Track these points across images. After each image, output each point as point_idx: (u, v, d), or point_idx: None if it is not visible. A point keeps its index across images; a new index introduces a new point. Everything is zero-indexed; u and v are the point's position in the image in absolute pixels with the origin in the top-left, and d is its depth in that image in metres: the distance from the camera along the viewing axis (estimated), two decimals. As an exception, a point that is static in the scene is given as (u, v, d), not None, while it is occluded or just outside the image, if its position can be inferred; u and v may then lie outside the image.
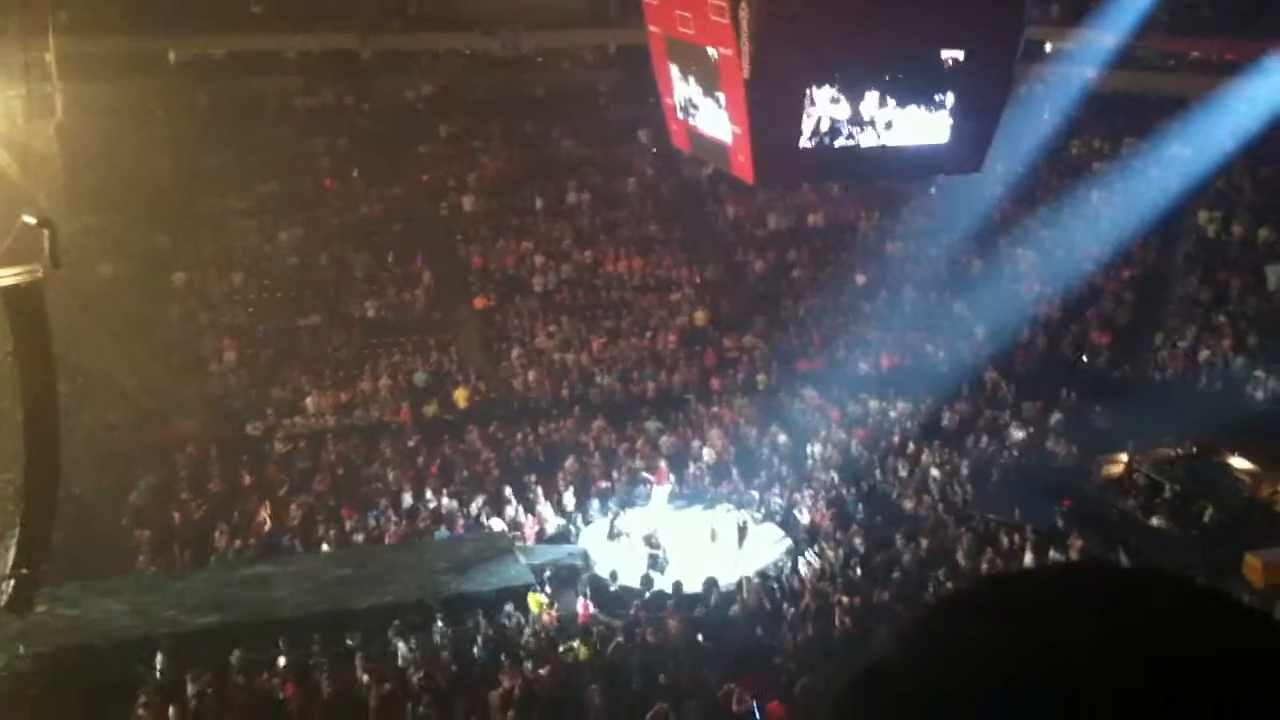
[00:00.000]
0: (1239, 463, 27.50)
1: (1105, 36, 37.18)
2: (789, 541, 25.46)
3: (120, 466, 27.37)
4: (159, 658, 19.65)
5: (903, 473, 27.83)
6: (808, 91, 15.03)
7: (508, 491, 26.72)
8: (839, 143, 15.41)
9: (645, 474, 27.65)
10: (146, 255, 33.42)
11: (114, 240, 33.03)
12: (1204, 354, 31.74)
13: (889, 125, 15.56)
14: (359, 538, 25.25)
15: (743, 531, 24.98)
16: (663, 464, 27.97)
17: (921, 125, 15.71)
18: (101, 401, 28.33)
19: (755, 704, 18.08)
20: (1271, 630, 1.01)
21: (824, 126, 15.29)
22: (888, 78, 15.26)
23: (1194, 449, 27.25)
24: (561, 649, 20.29)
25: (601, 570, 24.01)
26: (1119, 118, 39.81)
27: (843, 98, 15.12)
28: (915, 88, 15.41)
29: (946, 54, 15.30)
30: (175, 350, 31.48)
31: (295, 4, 40.05)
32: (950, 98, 15.60)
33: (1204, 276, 34.39)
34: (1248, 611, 1.04)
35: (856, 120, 15.36)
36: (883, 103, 15.39)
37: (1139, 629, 0.99)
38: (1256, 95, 34.52)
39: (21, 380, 16.59)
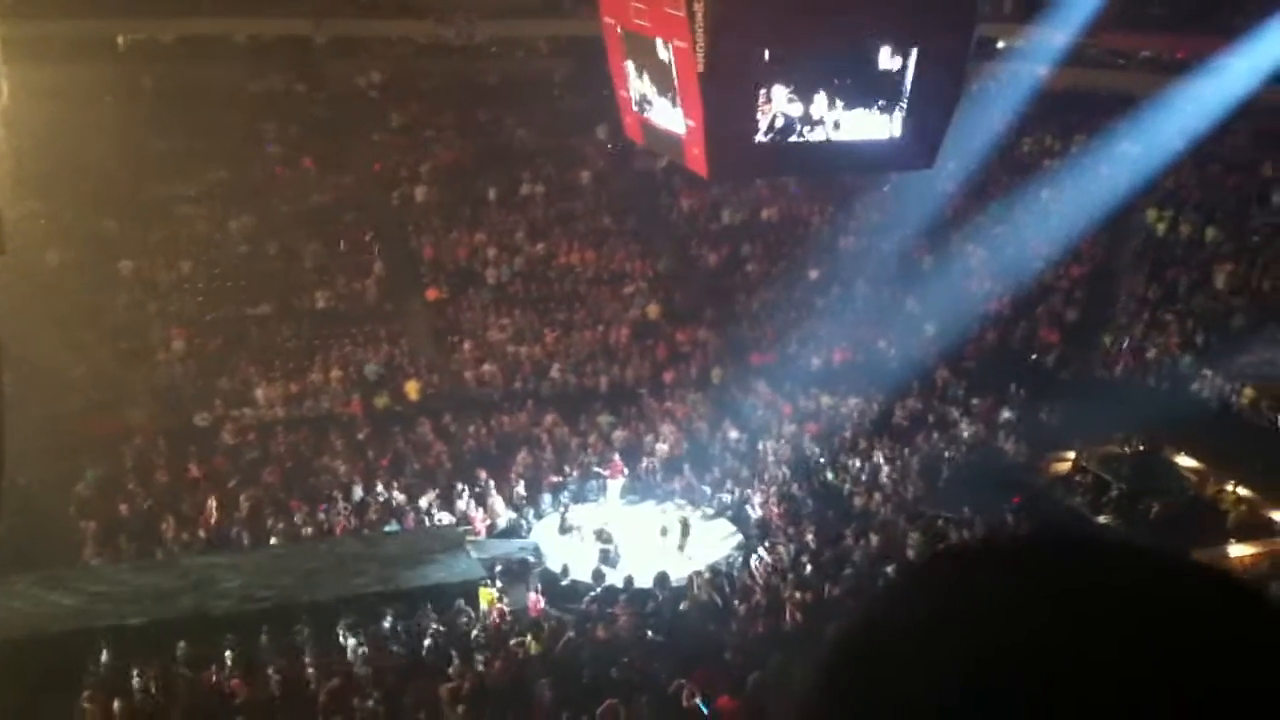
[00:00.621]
0: (1185, 460, 27.83)
1: (1056, 34, 37.47)
2: (740, 537, 25.48)
3: (67, 457, 26.97)
4: (103, 651, 19.42)
5: (854, 468, 27.93)
6: (762, 86, 15.00)
7: (459, 485, 26.60)
8: (792, 138, 15.39)
9: (598, 468, 27.59)
10: (93, 242, 32.94)
11: (60, 227, 32.55)
12: (1151, 352, 32.04)
13: (841, 121, 15.56)
14: (308, 530, 25.05)
15: (685, 528, 24.88)
16: (616, 458, 27.93)
17: (873, 121, 15.72)
18: (48, 391, 27.91)
19: (703, 699, 18.06)
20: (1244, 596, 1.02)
21: (778, 121, 15.27)
22: (841, 72, 15.25)
23: (1141, 446, 27.52)
24: (512, 643, 20.22)
25: (553, 564, 23.95)
26: (1070, 115, 40.13)
27: (797, 92, 15.11)
28: (868, 83, 15.41)
29: (899, 50, 15.31)
30: (123, 339, 31.06)
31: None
32: (903, 94, 15.61)
33: (1152, 274, 34.72)
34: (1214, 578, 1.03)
35: (809, 116, 15.34)
36: (835, 98, 15.39)
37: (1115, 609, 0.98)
38: (1205, 94, 34.90)
39: (-35, 370, 16.34)
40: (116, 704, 18.19)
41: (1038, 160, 39.67)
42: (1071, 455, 28.45)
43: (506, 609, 21.85)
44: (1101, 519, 26.26)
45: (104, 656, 19.36)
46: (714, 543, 25.32)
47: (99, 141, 34.14)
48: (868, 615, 1.07)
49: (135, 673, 18.80)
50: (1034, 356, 33.50)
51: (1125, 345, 32.50)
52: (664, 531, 25.06)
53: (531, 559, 24.41)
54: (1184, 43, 37.07)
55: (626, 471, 27.56)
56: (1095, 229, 35.94)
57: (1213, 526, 25.49)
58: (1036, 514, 25.95)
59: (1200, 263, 34.37)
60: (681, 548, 24.60)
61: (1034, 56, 38.48)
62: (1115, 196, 35.75)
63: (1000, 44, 40.16)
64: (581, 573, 23.32)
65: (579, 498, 26.88)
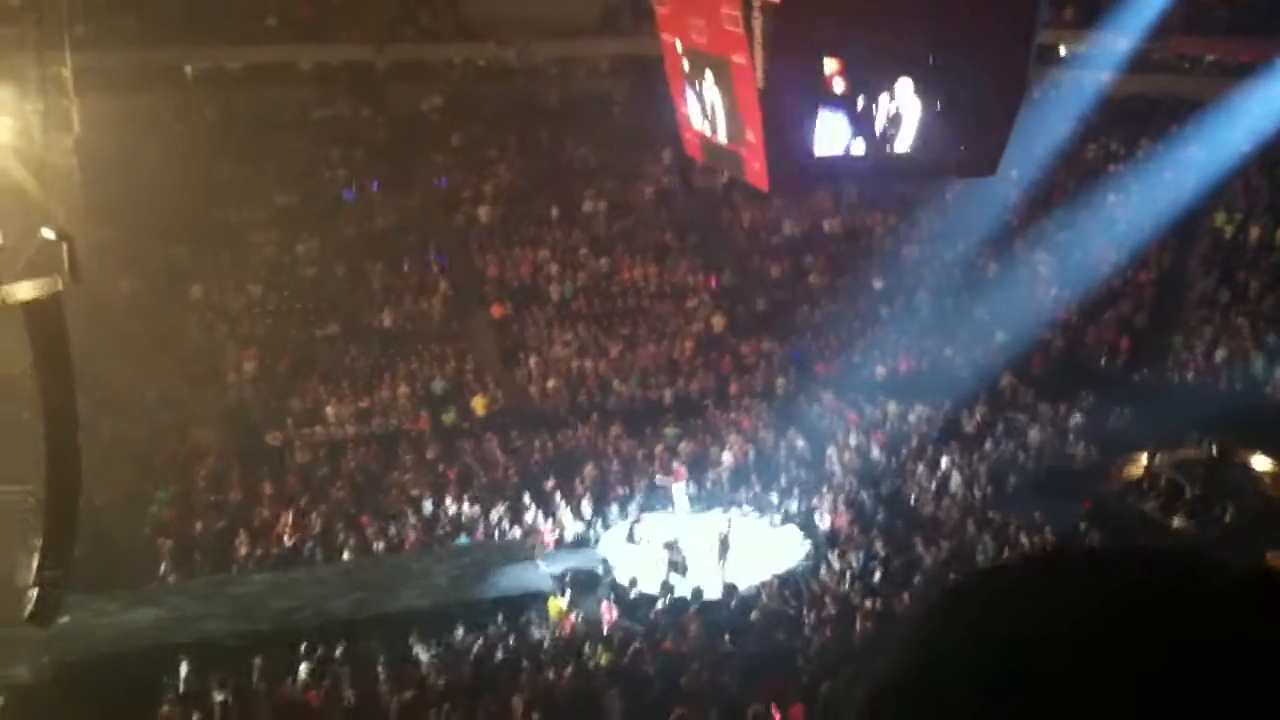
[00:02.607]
0: (1259, 463, 27.45)
1: (1119, 39, 37.12)
2: (810, 545, 25.43)
3: (140, 478, 27.51)
4: (182, 666, 19.74)
5: (922, 476, 27.82)
6: (822, 98, 15.05)
7: (526, 498, 26.78)
8: (853, 149, 15.42)
9: (661, 477, 27.62)
10: (164, 268, 33.57)
11: (132, 253, 33.09)
12: (1222, 354, 31.68)
13: (903, 130, 15.58)
14: (379, 545, 25.33)
15: (725, 543, 24.49)
16: (679, 465, 27.96)
17: (936, 130, 15.71)
18: (121, 413, 28.46)
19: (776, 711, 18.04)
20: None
21: (838, 133, 15.32)
22: (902, 83, 15.28)
23: (1214, 450, 27.21)
24: (584, 655, 20.33)
25: (621, 576, 24.03)
26: (1134, 121, 39.71)
27: (857, 103, 15.15)
28: (930, 93, 15.42)
29: (959, 59, 15.31)
30: (193, 362, 31.59)
31: (310, 16, 40.25)
32: (964, 102, 15.60)
33: (1222, 277, 34.32)
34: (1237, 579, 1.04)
35: (871, 126, 15.38)
36: (897, 108, 15.42)
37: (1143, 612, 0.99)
38: (1272, 96, 34.46)
39: (42, 393, 16.71)
40: (196, 717, 18.50)
41: (1103, 166, 39.31)
42: (1144, 459, 28.16)
43: (575, 620, 21.97)
44: (1175, 523, 25.97)
45: (183, 671, 19.67)
46: (783, 551, 25.29)
47: (168, 169, 34.71)
48: (905, 656, 1.06)
49: (213, 687, 19.11)
50: (1103, 361, 33.21)
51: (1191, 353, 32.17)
52: (724, 545, 24.84)
53: (600, 571, 24.52)
54: (1249, 46, 36.57)
55: (689, 477, 27.54)
56: (1163, 234, 35.57)
57: (1289, 529, 25.15)
58: (1107, 518, 25.74)
59: (1271, 265, 33.93)
60: (722, 558, 24.27)
61: (1097, 63, 38.12)
62: (1182, 201, 35.38)
63: (1062, 50, 39.84)
64: (649, 584, 23.38)
65: (646, 509, 26.95)
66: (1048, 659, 0.96)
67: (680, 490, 26.91)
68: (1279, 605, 1.01)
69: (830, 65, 14.78)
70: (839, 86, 15.01)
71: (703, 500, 27.39)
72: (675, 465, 27.93)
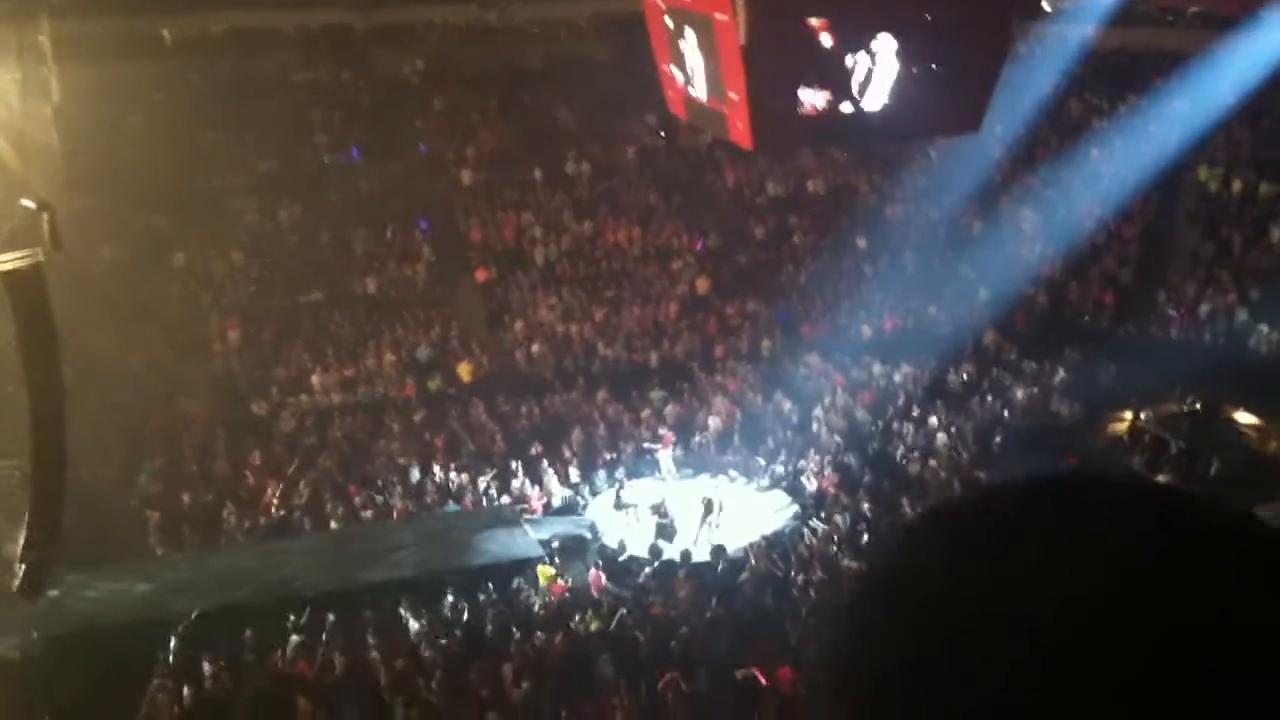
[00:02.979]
0: (1244, 417, 27.58)
1: (1103, -7, 36.96)
2: (796, 508, 25.49)
3: (127, 448, 27.45)
4: (172, 639, 19.73)
5: (908, 436, 27.87)
6: (805, 56, 14.95)
7: (514, 464, 26.77)
8: (837, 107, 15.33)
9: (648, 443, 27.62)
10: (146, 236, 33.33)
11: (113, 222, 32.87)
12: (1206, 308, 31.73)
13: (888, 89, 15.48)
14: (368, 514, 25.33)
15: (708, 507, 24.59)
16: (666, 430, 27.99)
17: (920, 88, 15.62)
18: (106, 384, 28.34)
19: (762, 673, 18.11)
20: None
21: (822, 91, 15.22)
22: (885, 41, 15.17)
23: (1198, 405, 27.30)
24: (575, 621, 20.37)
25: (610, 540, 24.07)
26: (1119, 75, 39.59)
27: (841, 61, 15.04)
28: (913, 50, 15.32)
29: (944, 16, 15.20)
30: (178, 331, 31.44)
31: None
32: (948, 59, 15.51)
33: (1206, 232, 34.34)
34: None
35: (855, 85, 15.28)
36: (881, 66, 15.32)
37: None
38: (1255, 49, 34.35)
39: (26, 365, 16.62)
40: (186, 690, 18.50)
41: (1087, 121, 39.23)
42: (1129, 415, 28.26)
43: (565, 586, 22.01)
44: (1160, 478, 26.06)
45: (173, 644, 19.67)
46: (770, 514, 25.35)
47: (148, 137, 34.47)
48: (892, 557, 1.11)
49: (204, 660, 19.11)
50: (1088, 317, 33.26)
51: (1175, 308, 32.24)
52: (717, 506, 24.99)
53: (588, 536, 24.56)
54: (1233, -2, 36.50)
55: (676, 442, 27.57)
56: (1147, 188, 35.55)
57: (1274, 482, 25.24)
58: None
59: (1254, 219, 33.95)
60: (703, 524, 24.38)
61: (1081, 16, 37.96)
62: (1166, 155, 35.35)
63: (1045, 4, 39.66)
64: (638, 548, 23.43)
65: (633, 473, 26.98)
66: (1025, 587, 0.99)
67: (668, 456, 26.92)
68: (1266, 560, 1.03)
69: (813, 22, 14.69)
70: (822, 44, 14.92)
71: (690, 465, 27.42)
72: (663, 431, 27.91)
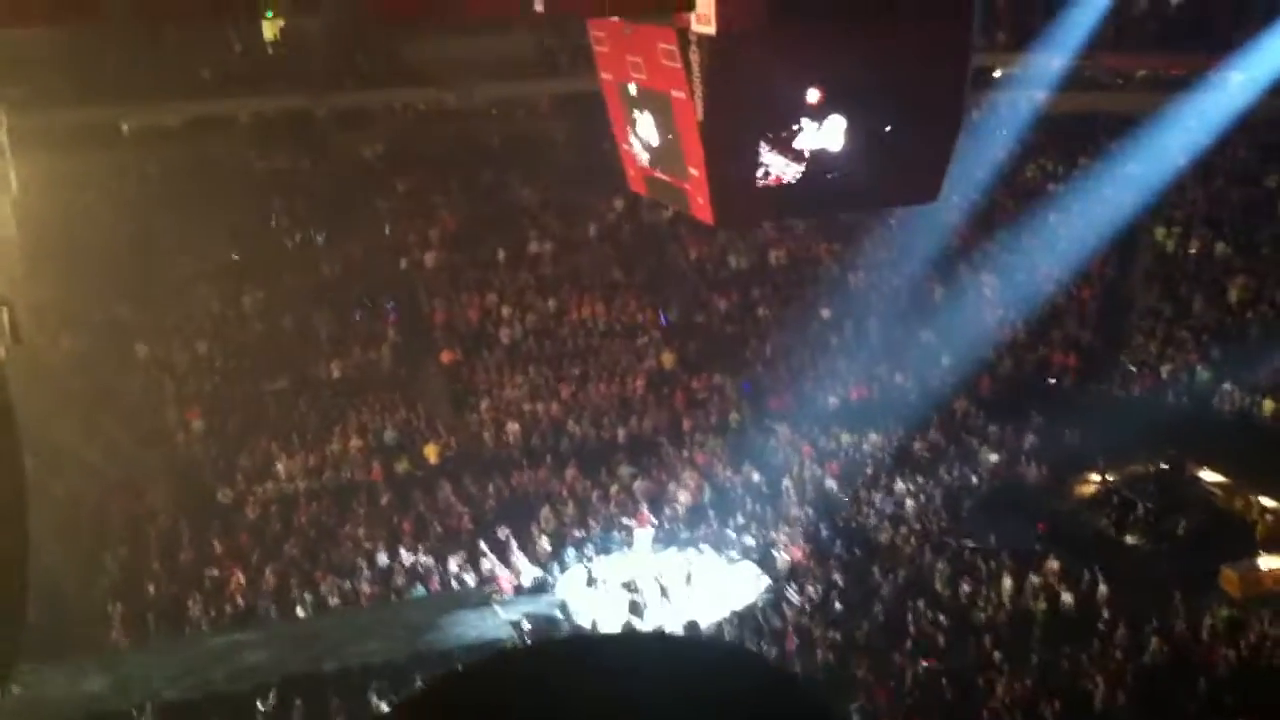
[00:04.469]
0: (1209, 476, 27.69)
1: (1052, 59, 37.57)
2: (768, 579, 25.38)
3: (92, 539, 27.09)
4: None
5: (878, 504, 27.85)
6: (762, 129, 15.07)
7: (483, 545, 26.56)
8: (797, 179, 15.44)
9: (626, 520, 27.49)
10: (107, 326, 33.11)
11: (74, 313, 32.72)
12: (1168, 368, 31.93)
13: (844, 160, 15.60)
14: (335, 600, 25.03)
15: (663, 588, 24.60)
16: (644, 508, 27.85)
17: (877, 159, 15.75)
18: (69, 475, 28.01)
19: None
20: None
21: (780, 164, 15.32)
22: (841, 112, 15.32)
23: (1165, 465, 27.43)
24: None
25: (581, 619, 23.86)
26: (1071, 139, 40.17)
27: (798, 134, 15.17)
28: (869, 122, 15.47)
29: (898, 88, 15.37)
30: (140, 420, 31.13)
31: (245, 67, 40.00)
32: (905, 130, 15.66)
33: (1164, 292, 34.67)
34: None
35: (813, 156, 15.40)
36: (838, 138, 15.45)
37: None
38: (1205, 109, 34.95)
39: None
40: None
41: (1042, 185, 39.70)
42: (1096, 477, 28.34)
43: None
44: (1129, 539, 26.13)
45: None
46: (741, 586, 25.22)
47: (109, 226, 34.43)
48: None
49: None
50: (1052, 380, 33.44)
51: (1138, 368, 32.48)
52: (689, 579, 24.92)
53: (559, 614, 24.35)
54: (1180, 60, 37.13)
55: (654, 521, 27.46)
56: (1104, 250, 35.94)
57: (1241, 540, 25.35)
58: (1062, 538, 25.86)
59: (1212, 277, 34.32)
60: (688, 597, 24.40)
61: (1031, 83, 38.56)
62: (1122, 217, 35.79)
63: (997, 73, 40.24)
64: (611, 624, 23.23)
65: (603, 550, 26.81)
66: None
67: (646, 535, 26.81)
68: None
69: (769, 96, 14.81)
70: (780, 117, 15.04)
71: (661, 539, 27.30)
72: (641, 509, 27.75)
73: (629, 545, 26.72)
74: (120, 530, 27.66)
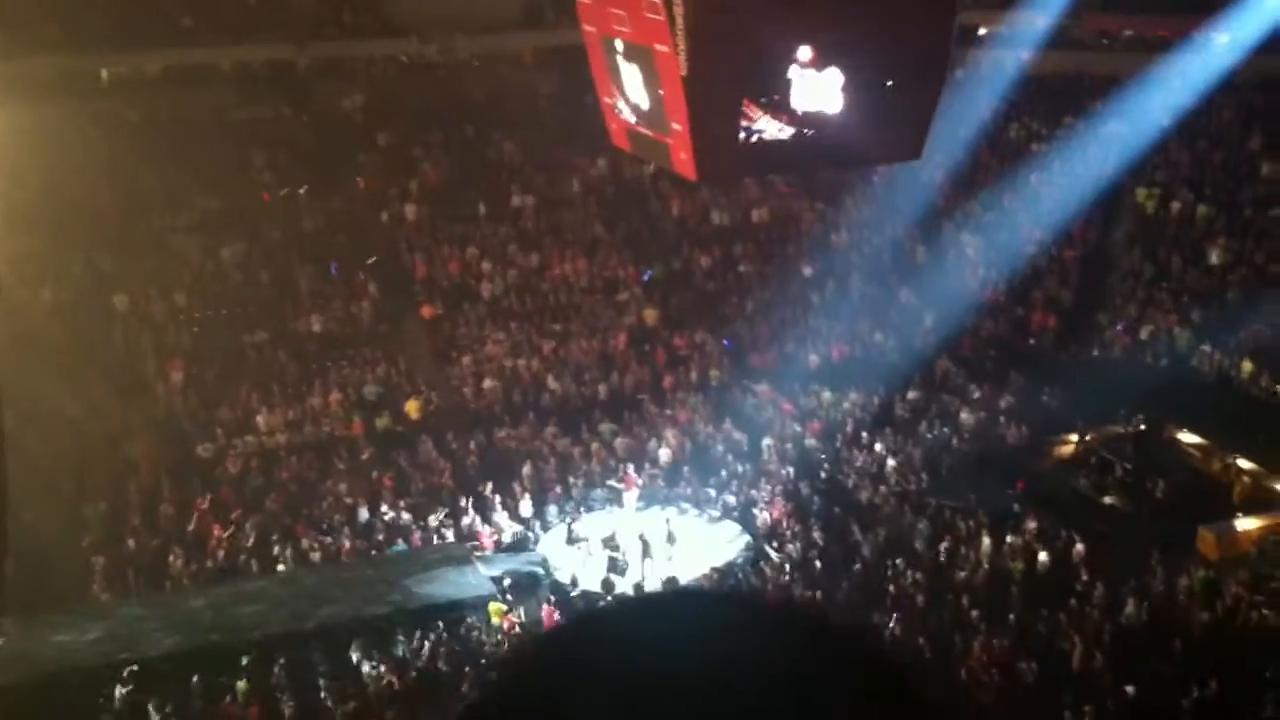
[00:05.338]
0: (1188, 437, 27.79)
1: (1038, 18, 37.43)
2: (748, 538, 25.44)
3: (73, 492, 27.02)
4: (118, 686, 19.38)
5: (858, 463, 27.91)
6: (746, 85, 14.99)
7: (464, 501, 26.56)
8: (780, 135, 15.37)
9: (613, 482, 27.44)
10: (87, 278, 32.89)
11: (53, 264, 32.47)
12: (1147, 330, 31.99)
13: (828, 117, 15.54)
14: (316, 555, 25.03)
15: (646, 544, 24.58)
16: (631, 470, 27.78)
17: (861, 116, 15.70)
18: (48, 429, 27.87)
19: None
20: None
21: (764, 120, 15.26)
22: (826, 69, 15.24)
23: (1143, 426, 27.51)
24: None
25: (562, 576, 23.91)
26: (1055, 99, 40.02)
27: (782, 90, 15.09)
28: (853, 79, 15.40)
29: (881, 43, 15.30)
30: (120, 373, 30.98)
31: (228, 16, 39.55)
32: (888, 87, 15.60)
33: (1145, 253, 34.68)
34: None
35: (797, 113, 15.33)
36: (822, 94, 15.37)
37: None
38: (1189, 71, 34.88)
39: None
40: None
41: (1025, 145, 39.55)
42: (1074, 438, 28.43)
43: (516, 622, 21.82)
44: (1107, 500, 26.24)
45: (119, 691, 19.33)
46: (722, 545, 25.28)
47: (88, 177, 34.04)
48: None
49: (152, 707, 18.78)
50: (1031, 341, 33.49)
51: (1121, 326, 32.49)
52: (670, 537, 24.96)
53: (540, 572, 24.39)
54: (1166, 21, 37.03)
55: (640, 483, 27.43)
56: (1086, 211, 35.89)
57: (1219, 502, 25.47)
58: (1041, 498, 25.96)
59: (1193, 239, 34.33)
60: (669, 555, 24.48)
61: (1017, 42, 38.39)
62: (1105, 177, 35.74)
63: (982, 31, 40.06)
64: (591, 583, 23.29)
65: (585, 508, 26.83)
66: None
67: (631, 497, 26.79)
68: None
69: (752, 51, 14.73)
70: (764, 72, 14.97)
71: (643, 498, 27.31)
72: (627, 472, 27.69)
73: (617, 504, 26.64)
74: (101, 484, 27.57)
